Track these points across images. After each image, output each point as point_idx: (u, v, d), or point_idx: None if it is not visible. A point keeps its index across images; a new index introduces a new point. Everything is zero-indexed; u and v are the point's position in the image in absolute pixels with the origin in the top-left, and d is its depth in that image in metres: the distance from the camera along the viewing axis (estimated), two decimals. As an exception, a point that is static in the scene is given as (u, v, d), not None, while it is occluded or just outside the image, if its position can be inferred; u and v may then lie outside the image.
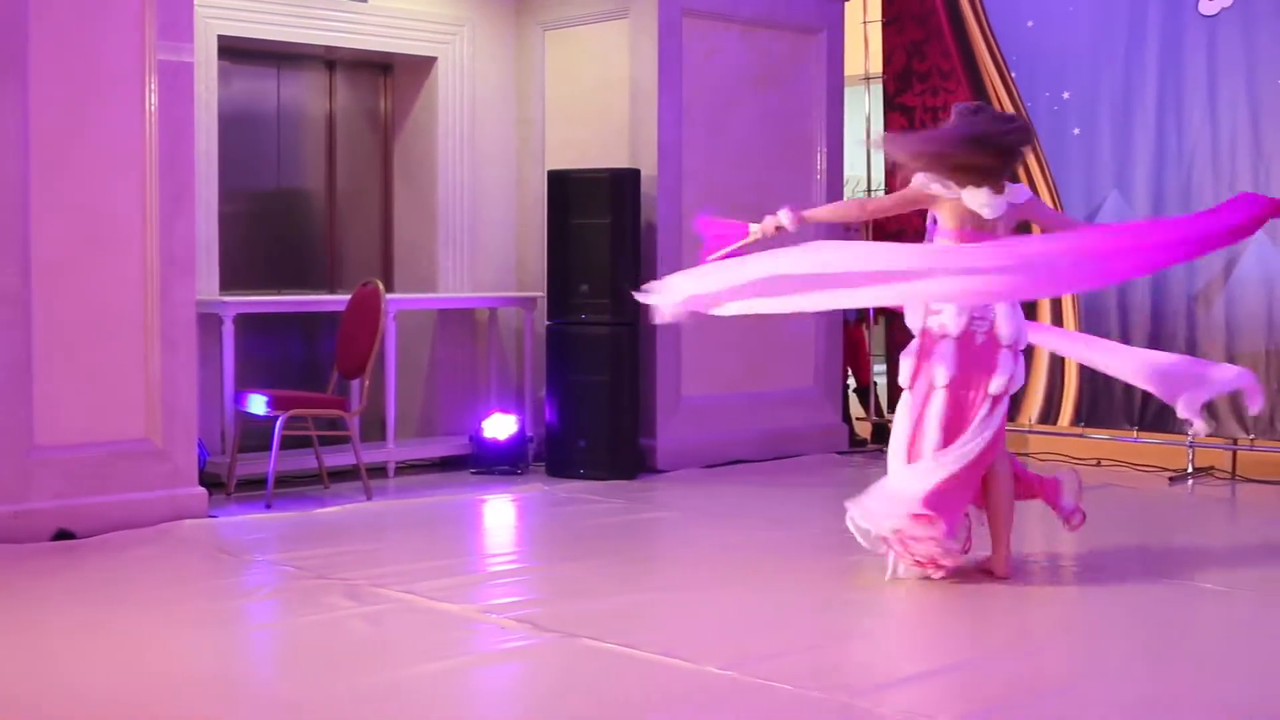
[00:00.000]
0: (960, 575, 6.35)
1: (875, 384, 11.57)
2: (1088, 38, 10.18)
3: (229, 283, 9.36)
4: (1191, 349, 9.67)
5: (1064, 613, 6.11)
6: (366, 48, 9.97)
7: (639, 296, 6.54)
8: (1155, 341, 9.80)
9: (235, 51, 9.51)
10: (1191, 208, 9.64)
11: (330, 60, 10.23)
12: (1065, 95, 10.30)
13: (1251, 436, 9.54)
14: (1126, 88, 10.01)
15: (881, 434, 11.39)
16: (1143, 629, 5.76)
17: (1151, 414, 9.72)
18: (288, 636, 5.76)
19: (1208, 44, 9.64)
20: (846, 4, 10.94)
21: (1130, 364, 6.94)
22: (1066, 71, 10.28)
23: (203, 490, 7.93)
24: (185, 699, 4.85)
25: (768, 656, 5.23)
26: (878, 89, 11.43)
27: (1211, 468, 9.64)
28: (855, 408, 11.67)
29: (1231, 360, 9.49)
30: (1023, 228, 6.82)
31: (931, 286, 6.12)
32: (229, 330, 8.85)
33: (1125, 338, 9.89)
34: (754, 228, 6.78)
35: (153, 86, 7.68)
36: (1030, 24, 10.46)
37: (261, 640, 5.80)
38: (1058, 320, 10.11)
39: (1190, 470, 9.50)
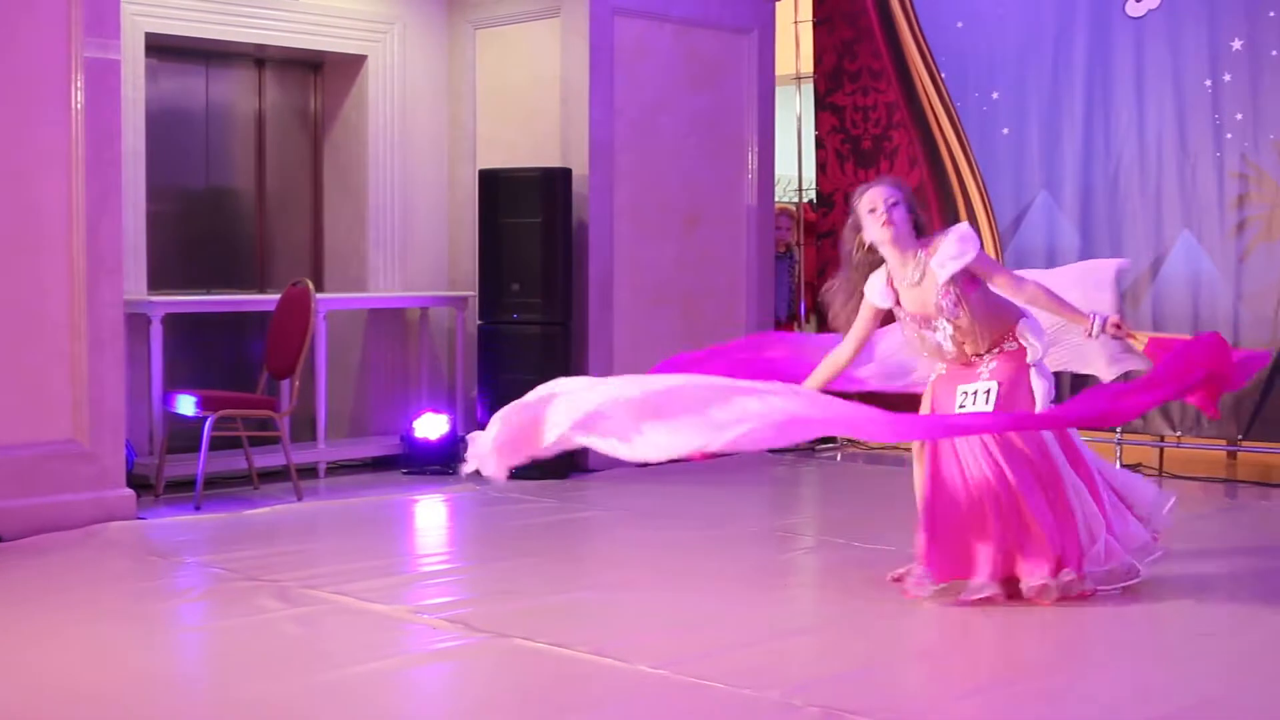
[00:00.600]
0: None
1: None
2: (1017, 39, 10.25)
3: (157, 282, 9.29)
4: (1119, 347, 9.75)
5: (988, 611, 6.14)
6: (296, 46, 9.91)
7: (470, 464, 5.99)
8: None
9: (163, 49, 9.44)
10: (1119, 207, 9.75)
11: (259, 58, 10.17)
12: (994, 95, 10.37)
13: (1178, 434, 9.64)
14: (1055, 88, 10.09)
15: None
16: (1056, 629, 5.80)
17: (1080, 412, 9.79)
18: (218, 639, 5.71)
19: (1135, 45, 9.73)
20: (778, 4, 10.97)
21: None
22: (996, 72, 10.35)
23: (131, 492, 7.86)
24: (114, 702, 4.80)
25: (700, 655, 5.23)
26: (809, 89, 11.47)
27: (1140, 464, 9.73)
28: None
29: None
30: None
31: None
32: (157, 330, 8.77)
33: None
34: None
35: (79, 84, 7.60)
36: (960, 25, 10.52)
37: (191, 643, 5.75)
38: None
39: (1118, 466, 9.57)
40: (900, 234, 6.10)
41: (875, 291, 6.17)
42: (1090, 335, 6.07)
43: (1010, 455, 5.94)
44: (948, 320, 6.03)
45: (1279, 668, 5.20)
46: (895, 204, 6.12)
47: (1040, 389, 6.03)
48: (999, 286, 6.13)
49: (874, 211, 6.15)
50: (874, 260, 6.21)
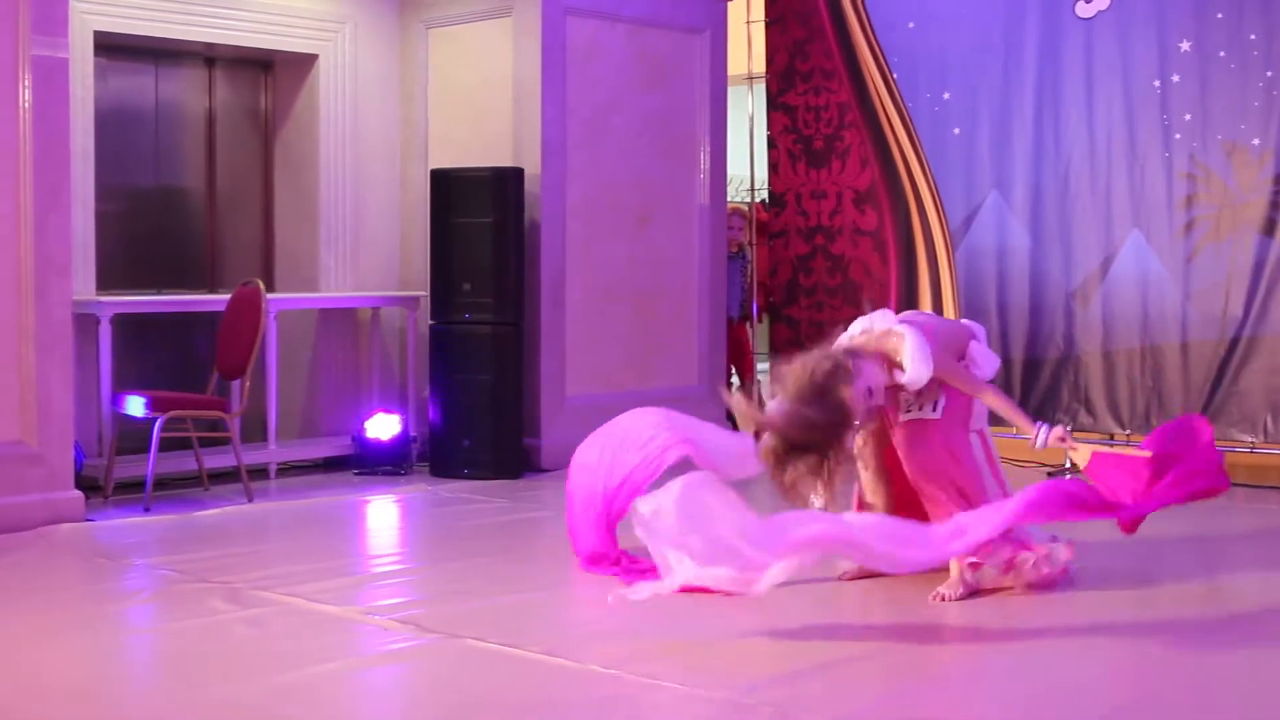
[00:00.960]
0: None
1: (759, 382, 11.62)
2: (968, 39, 10.29)
3: (106, 282, 9.23)
4: (1069, 345, 9.82)
5: (946, 606, 6.16)
6: (247, 45, 9.86)
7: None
8: (1034, 339, 9.95)
9: (112, 48, 9.37)
10: (1069, 207, 9.80)
11: (210, 57, 10.12)
12: (946, 96, 10.41)
13: (1128, 433, 9.70)
14: (1005, 88, 10.14)
15: (765, 432, 11.46)
16: (1016, 618, 5.83)
17: (1031, 409, 9.83)
18: (167, 641, 5.68)
19: (1085, 46, 9.78)
20: (730, 4, 10.98)
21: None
22: (947, 72, 10.38)
23: (79, 494, 7.81)
24: (62, 706, 4.76)
25: (653, 655, 5.23)
26: (761, 89, 11.49)
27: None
28: (739, 406, 11.70)
29: (1107, 355, 9.67)
30: None
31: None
32: (106, 331, 8.72)
33: (1004, 335, 10.03)
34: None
35: (26, 83, 7.55)
36: (911, 25, 10.55)
37: (140, 645, 5.72)
38: (938, 312, 10.19)
39: (1068, 465, 9.62)
40: (875, 404, 5.95)
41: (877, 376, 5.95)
42: (1034, 446, 6.06)
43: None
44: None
45: (1201, 666, 5.23)
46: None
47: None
48: (956, 383, 6.12)
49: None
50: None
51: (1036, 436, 6.02)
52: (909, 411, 6.17)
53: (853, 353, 5.84)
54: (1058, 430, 6.03)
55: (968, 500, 6.01)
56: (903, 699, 4.79)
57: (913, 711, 4.69)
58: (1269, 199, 9.10)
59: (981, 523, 5.46)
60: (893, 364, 5.98)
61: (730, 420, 11.15)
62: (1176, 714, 4.70)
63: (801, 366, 5.67)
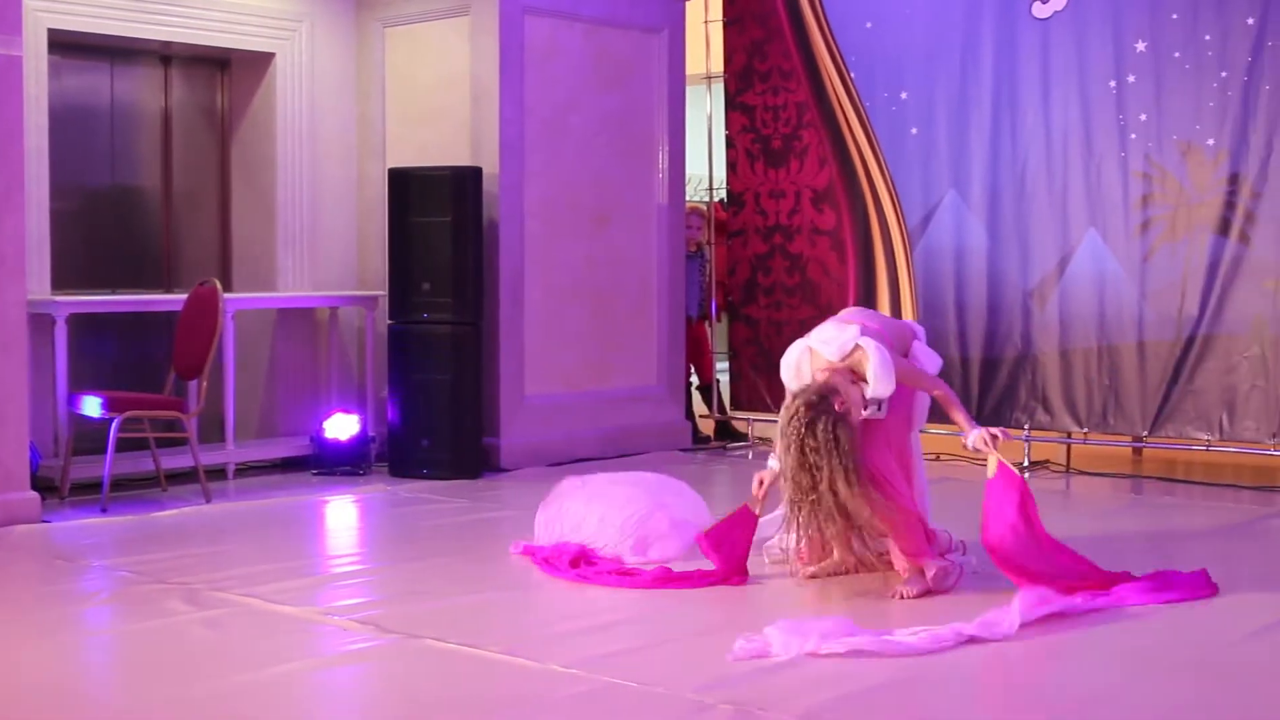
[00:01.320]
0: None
1: (718, 381, 11.64)
2: (925, 39, 10.33)
3: (62, 282, 9.17)
4: (1027, 344, 9.86)
5: (901, 604, 6.18)
6: (202, 43, 9.81)
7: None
8: (991, 338, 9.99)
9: (66, 45, 9.31)
10: (1026, 206, 9.85)
11: (165, 55, 10.06)
12: (903, 95, 10.44)
13: (1085, 430, 9.76)
14: (963, 88, 10.17)
15: (724, 431, 11.49)
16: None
17: (989, 408, 9.89)
18: (125, 642, 5.65)
19: (1041, 46, 9.82)
20: (688, 4, 10.99)
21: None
22: (904, 72, 10.42)
23: (35, 495, 7.76)
24: (18, 708, 4.73)
25: (613, 654, 5.23)
26: (719, 88, 11.50)
27: (1047, 461, 9.84)
28: (699, 405, 11.73)
29: (1064, 354, 9.72)
30: None
31: None
32: (62, 331, 8.66)
33: (962, 335, 10.07)
34: (754, 501, 6.45)
35: (-20, 81, 7.49)
36: (869, 25, 10.58)
37: (98, 647, 5.69)
38: (896, 311, 10.23)
39: (1026, 463, 9.68)
40: (857, 419, 6.08)
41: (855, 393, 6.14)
42: (966, 444, 6.26)
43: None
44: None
45: (1169, 660, 5.26)
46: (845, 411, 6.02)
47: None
48: (912, 383, 6.35)
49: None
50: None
51: (968, 435, 6.22)
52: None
53: (829, 387, 6.01)
54: (983, 433, 6.18)
55: (905, 497, 6.21)
56: (863, 695, 4.80)
57: (873, 708, 4.70)
58: (1224, 199, 9.17)
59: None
60: (858, 377, 6.12)
61: (689, 415, 11.19)
62: (1138, 711, 4.72)
63: (792, 416, 5.95)
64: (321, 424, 9.70)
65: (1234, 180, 9.13)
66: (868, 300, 10.36)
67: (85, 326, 9.18)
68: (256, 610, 5.93)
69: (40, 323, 8.54)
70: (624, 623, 5.75)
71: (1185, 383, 9.31)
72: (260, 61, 10.13)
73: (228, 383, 9.32)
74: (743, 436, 11.26)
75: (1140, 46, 9.43)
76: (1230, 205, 9.15)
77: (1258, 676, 5.08)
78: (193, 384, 8.82)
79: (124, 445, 8.51)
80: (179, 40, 9.70)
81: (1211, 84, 9.20)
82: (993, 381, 10.03)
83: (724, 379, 11.64)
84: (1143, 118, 9.43)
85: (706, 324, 11.68)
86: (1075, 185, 9.70)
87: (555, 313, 10.13)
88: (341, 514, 8.50)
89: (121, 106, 9.96)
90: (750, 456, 10.62)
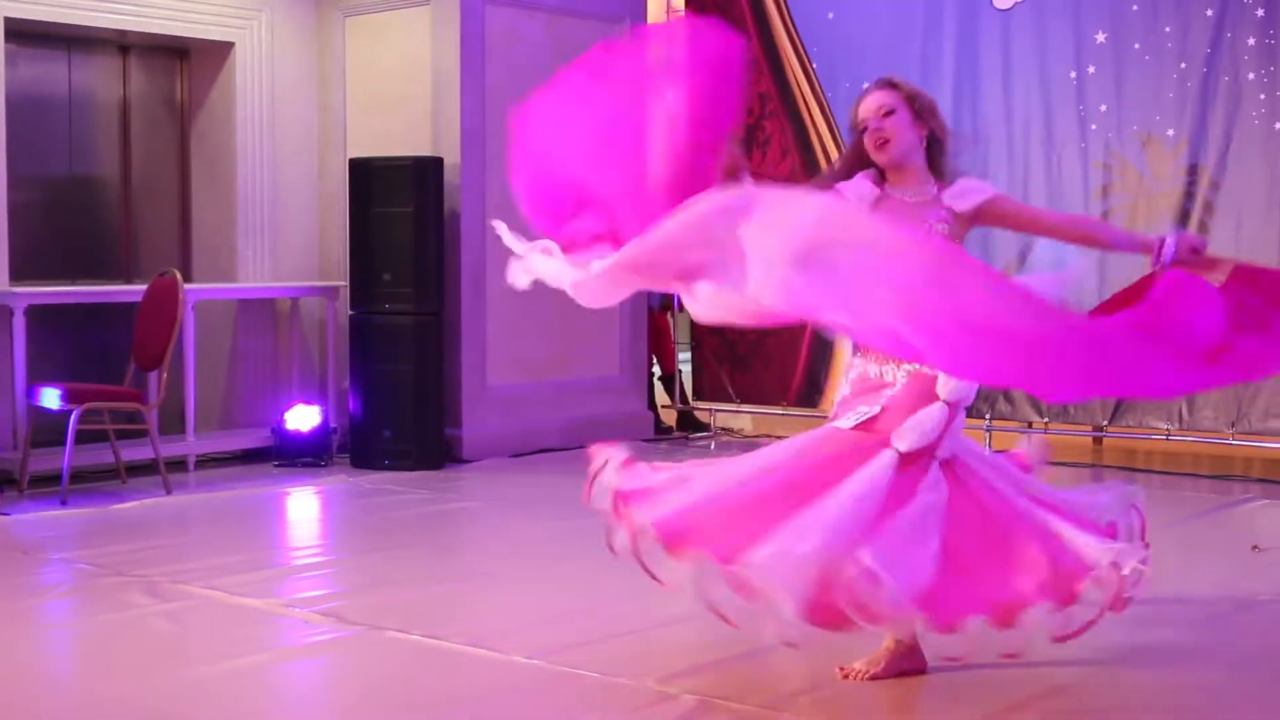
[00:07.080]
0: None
1: (680, 371, 11.64)
2: (886, 29, 10.35)
3: (20, 273, 9.11)
4: (987, 335, 9.88)
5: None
6: (161, 32, 9.75)
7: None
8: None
9: (23, 34, 9.24)
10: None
11: (124, 44, 9.99)
12: (865, 86, 10.38)
13: (1045, 420, 9.80)
14: (924, 78, 10.17)
15: (687, 421, 11.49)
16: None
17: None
18: (85, 635, 5.62)
19: (1002, 36, 9.86)
20: (649, -7, 11.00)
21: None
22: (866, 62, 10.42)
23: (-6, 487, 7.73)
24: (-23, 702, 4.71)
25: (575, 645, 5.24)
26: (681, 78, 11.47)
27: (1008, 451, 9.86)
28: (660, 395, 11.73)
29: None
30: None
31: None
32: (20, 322, 8.61)
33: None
34: None
35: (-63, 70, 7.44)
36: (830, 15, 10.60)
37: (58, 640, 5.66)
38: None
39: (988, 454, 9.70)
40: (900, 152, 5.03)
41: (854, 187, 5.08)
42: (1159, 263, 4.59)
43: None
44: None
45: (1128, 650, 5.29)
46: (889, 113, 5.11)
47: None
48: (1031, 221, 5.15)
49: (865, 131, 5.11)
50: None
51: (1162, 251, 4.61)
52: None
53: None
54: (1191, 238, 4.70)
55: None
56: (826, 686, 4.81)
57: (837, 699, 4.71)
58: (1183, 189, 9.21)
59: None
60: None
61: (652, 405, 11.19)
62: (1102, 701, 4.75)
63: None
64: (283, 415, 9.67)
65: (1193, 171, 9.18)
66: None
67: (44, 318, 9.12)
68: (218, 603, 5.91)
69: (-2, 314, 8.50)
70: (587, 612, 5.75)
71: (1145, 372, 9.34)
72: (219, 51, 10.07)
73: (188, 374, 9.28)
74: (705, 427, 11.27)
75: (1100, 37, 9.46)
76: (1190, 196, 9.20)
77: (1210, 666, 5.11)
78: (153, 375, 8.78)
79: (84, 437, 8.46)
80: (137, 29, 9.63)
81: (1171, 75, 9.24)
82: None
83: (686, 369, 11.64)
84: (1103, 108, 9.47)
85: (669, 314, 11.68)
86: (1036, 175, 9.73)
87: (517, 303, 10.06)
88: (303, 506, 8.47)
89: (80, 96, 9.89)
90: (713, 446, 10.63)
